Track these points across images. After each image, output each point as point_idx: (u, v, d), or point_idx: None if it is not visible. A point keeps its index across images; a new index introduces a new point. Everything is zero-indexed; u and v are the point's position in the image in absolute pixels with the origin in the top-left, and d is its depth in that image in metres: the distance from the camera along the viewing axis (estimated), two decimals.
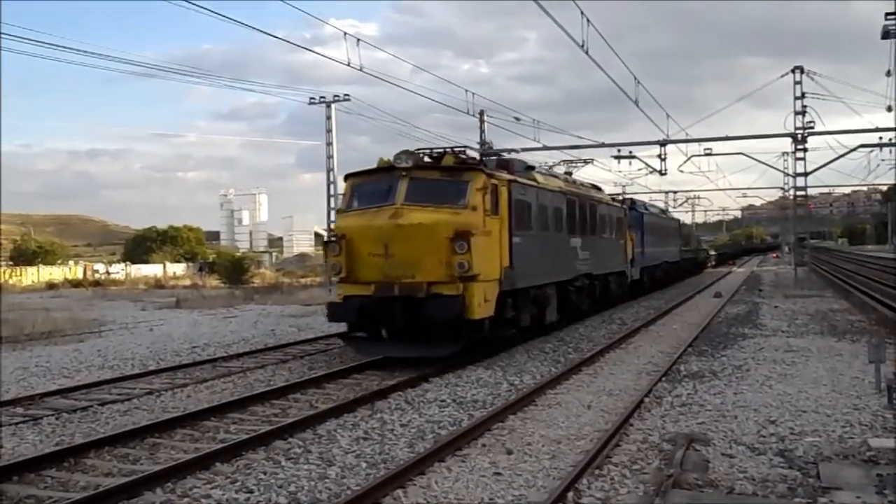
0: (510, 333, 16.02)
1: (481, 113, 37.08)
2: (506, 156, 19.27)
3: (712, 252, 79.44)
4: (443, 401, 11.45)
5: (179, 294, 39.90)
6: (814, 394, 11.38)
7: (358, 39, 22.60)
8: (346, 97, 40.38)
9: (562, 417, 10.23)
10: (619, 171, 47.06)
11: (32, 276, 65.33)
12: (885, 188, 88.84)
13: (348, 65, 22.36)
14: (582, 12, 20.38)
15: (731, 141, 38.43)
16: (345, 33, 21.93)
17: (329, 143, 40.71)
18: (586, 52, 21.35)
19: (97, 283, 57.55)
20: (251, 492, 7.40)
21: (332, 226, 15.33)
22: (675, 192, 74.48)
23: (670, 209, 68.30)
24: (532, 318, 17.09)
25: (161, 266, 74.75)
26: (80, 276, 66.04)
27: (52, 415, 11.01)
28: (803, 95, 36.36)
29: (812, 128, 36.64)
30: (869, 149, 40.28)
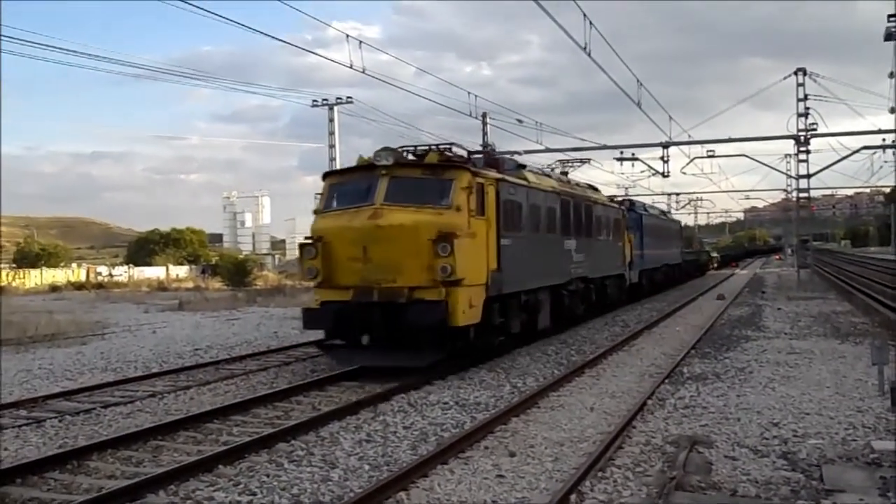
0: (498, 341, 15.30)
1: (484, 115, 37.14)
2: (509, 158, 18.47)
3: (714, 254, 79.37)
4: (445, 403, 11.45)
5: (182, 296, 39.93)
6: (817, 396, 11.37)
7: (360, 42, 22.67)
8: (349, 100, 40.46)
9: (564, 420, 10.23)
10: (622, 174, 47.34)
11: (35, 278, 65.36)
12: (888, 190, 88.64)
13: (351, 67, 22.41)
14: (584, 14, 20.41)
15: (733, 143, 38.53)
16: (347, 36, 21.98)
17: (332, 146, 40.77)
18: (589, 55, 21.39)
19: (100, 286, 57.61)
20: (254, 494, 7.41)
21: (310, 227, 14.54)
22: (677, 195, 74.54)
23: (673, 211, 68.32)
24: (523, 325, 16.43)
25: (164, 268, 74.83)
26: (83, 278, 66.08)
27: (56, 417, 11.02)
28: (806, 97, 36.41)
29: (815, 130, 36.74)
30: (872, 150, 40.40)
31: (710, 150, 40.24)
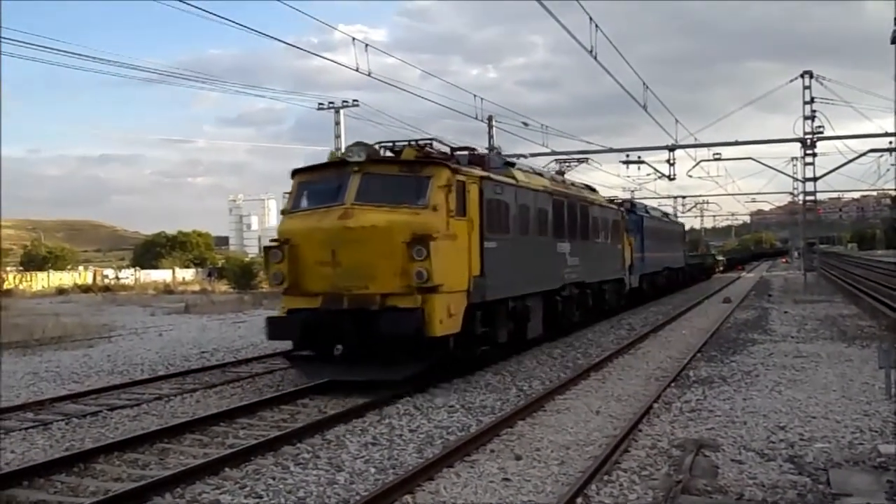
0: (482, 351, 14.30)
1: (490, 118, 37.15)
2: (496, 155, 17.03)
3: (720, 257, 79.22)
4: (451, 406, 11.45)
5: (188, 299, 39.97)
6: (823, 399, 11.35)
7: (366, 45, 22.68)
8: (355, 102, 40.46)
9: (571, 423, 10.22)
10: (628, 176, 47.26)
11: (42, 281, 65.54)
12: (894, 193, 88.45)
13: (357, 70, 22.43)
14: (590, 17, 20.42)
15: (739, 146, 38.50)
16: (353, 38, 21.99)
17: (338, 149, 40.76)
18: (595, 58, 21.39)
19: (107, 289, 57.70)
20: (260, 497, 7.42)
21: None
22: (683, 198, 74.37)
23: (679, 214, 68.18)
24: (511, 334, 15.36)
25: (170, 271, 74.91)
26: (89, 281, 66.28)
27: (62, 420, 11.04)
28: (812, 100, 36.34)
29: (821, 132, 36.66)
30: (879, 153, 40.31)
31: (717, 153, 40.16)
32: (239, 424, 10.54)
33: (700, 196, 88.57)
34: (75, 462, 8.58)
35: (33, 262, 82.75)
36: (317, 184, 13.57)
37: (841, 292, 36.35)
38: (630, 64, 25.54)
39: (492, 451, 8.90)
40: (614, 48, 22.75)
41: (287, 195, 13.93)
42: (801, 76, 36.77)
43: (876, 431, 9.41)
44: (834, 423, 9.86)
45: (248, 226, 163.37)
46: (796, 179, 44.44)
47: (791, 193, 64.40)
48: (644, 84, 29.87)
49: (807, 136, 36.65)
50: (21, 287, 59.41)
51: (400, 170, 13.14)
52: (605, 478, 7.72)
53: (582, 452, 8.78)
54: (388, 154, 14.10)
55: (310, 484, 7.74)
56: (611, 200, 28.46)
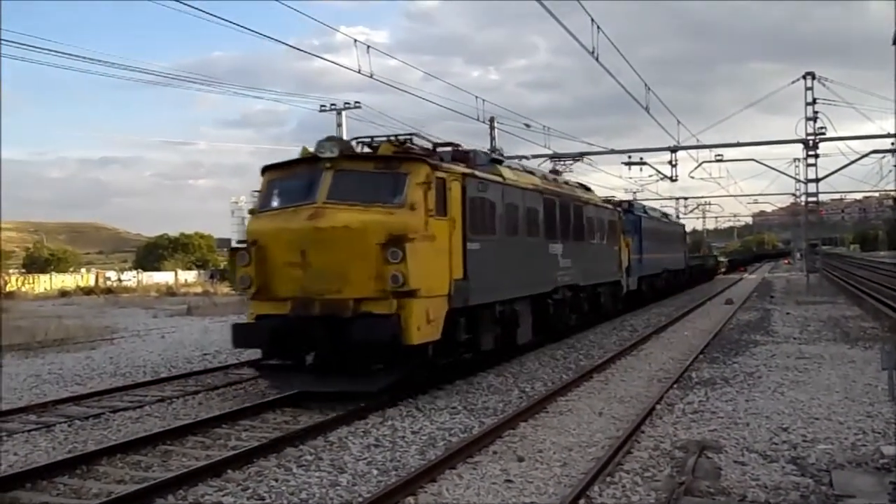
0: (466, 359, 13.62)
1: (492, 120, 37.12)
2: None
3: (722, 259, 79.15)
4: (454, 408, 11.45)
5: (191, 301, 39.99)
6: (826, 401, 11.34)
7: (368, 46, 22.69)
8: (357, 104, 40.44)
9: (573, 424, 10.22)
10: (630, 178, 47.08)
11: (45, 283, 65.61)
12: None
13: (359, 72, 22.45)
14: (592, 19, 20.44)
15: (742, 147, 38.57)
16: (355, 40, 21.99)
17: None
18: (597, 59, 21.39)
19: (109, 291, 57.75)
20: (262, 499, 7.42)
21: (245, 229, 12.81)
22: (685, 199, 74.49)
23: (681, 215, 68.13)
24: (498, 340, 14.60)
25: (172, 273, 74.99)
26: (92, 283, 66.34)
27: (65, 422, 11.05)
28: (815, 101, 36.31)
29: (824, 134, 36.63)
30: (881, 154, 40.23)
31: (719, 155, 40.11)
32: (241, 426, 10.54)
33: (702, 197, 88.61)
34: (78, 464, 8.59)
35: (35, 264, 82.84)
36: (287, 181, 12.80)
37: (843, 293, 36.31)
38: (632, 65, 25.59)
39: (494, 452, 8.90)
40: (616, 49, 22.79)
41: (256, 193, 13.23)
42: (804, 77, 36.76)
43: (879, 433, 9.40)
44: (837, 425, 9.85)
45: None
46: (798, 181, 44.39)
47: (793, 195, 64.45)
48: (646, 85, 29.89)
49: (809, 137, 36.63)
50: (23, 289, 59.47)
51: (375, 166, 12.35)
52: (608, 479, 7.72)
53: (584, 454, 8.78)
54: (367, 150, 13.41)
55: (312, 485, 7.75)
56: (607, 200, 27.68)
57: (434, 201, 12.01)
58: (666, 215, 45.84)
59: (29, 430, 10.56)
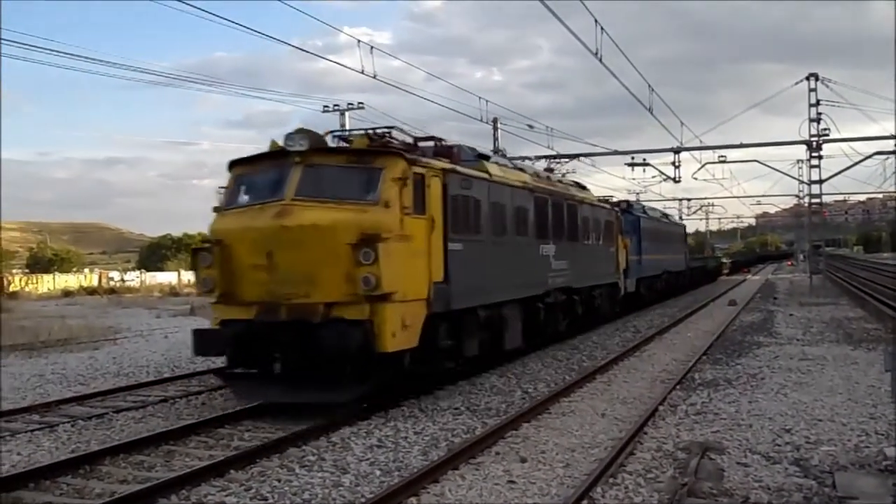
0: (447, 368, 12.72)
1: (495, 120, 37.14)
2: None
3: (725, 260, 79.06)
4: (456, 408, 11.45)
5: (194, 301, 39.94)
6: (829, 402, 11.33)
7: (371, 47, 22.68)
8: (360, 105, 40.44)
9: (576, 426, 10.21)
10: (633, 179, 47.14)
11: (48, 283, 65.72)
12: None
13: (362, 72, 22.45)
14: (595, 20, 20.44)
15: (745, 148, 38.48)
16: (359, 41, 21.98)
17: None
18: (600, 60, 21.40)
19: (112, 291, 57.84)
20: (265, 499, 7.43)
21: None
22: (689, 200, 74.45)
23: (684, 216, 68.12)
24: (483, 346, 13.70)
25: (176, 273, 75.04)
26: (95, 283, 66.42)
27: (68, 422, 11.06)
28: (818, 102, 36.30)
29: (827, 135, 36.61)
30: (884, 156, 40.14)
31: (722, 156, 40.13)
32: (244, 426, 10.55)
33: (705, 199, 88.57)
34: (81, 464, 8.61)
35: (39, 264, 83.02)
36: (255, 177, 12.06)
37: (847, 295, 36.26)
38: (635, 66, 25.60)
39: (497, 453, 8.90)
40: (619, 50, 22.81)
41: (222, 190, 12.33)
42: (807, 78, 36.76)
43: (882, 434, 9.39)
44: (840, 426, 9.84)
45: None
46: (802, 182, 44.38)
47: (797, 196, 64.31)
48: (649, 86, 29.88)
49: (812, 139, 36.61)
50: (27, 289, 59.58)
51: (348, 160, 11.60)
52: (611, 480, 7.72)
53: (587, 455, 8.77)
54: (343, 144, 12.65)
55: (315, 486, 7.76)
56: (604, 200, 26.78)
57: (411, 198, 11.30)
58: (666, 215, 45.05)
59: (32, 430, 10.58)
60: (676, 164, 38.01)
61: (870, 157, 38.71)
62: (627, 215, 29.60)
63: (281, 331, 10.68)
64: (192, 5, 16.08)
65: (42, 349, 20.42)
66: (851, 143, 38.12)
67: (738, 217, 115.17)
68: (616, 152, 38.85)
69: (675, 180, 39.02)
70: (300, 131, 11.53)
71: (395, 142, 12.73)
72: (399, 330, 10.77)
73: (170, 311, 35.61)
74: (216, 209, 12.09)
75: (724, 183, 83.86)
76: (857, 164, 38.34)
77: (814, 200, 41.01)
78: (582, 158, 36.70)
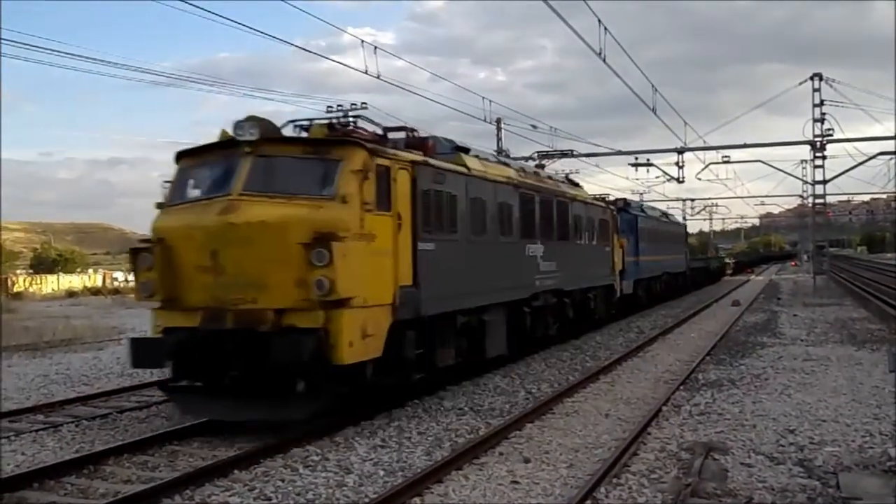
0: (416, 380, 11.43)
1: (498, 121, 37.15)
2: (444, 139, 14.13)
3: (728, 260, 78.91)
4: (460, 409, 11.45)
5: None
6: (833, 403, 11.31)
7: (375, 47, 22.65)
8: (364, 105, 40.34)
9: (579, 426, 10.21)
10: (637, 179, 47.05)
11: (52, 284, 65.82)
12: None
13: (366, 73, 22.42)
14: (599, 20, 20.40)
15: (749, 148, 38.49)
16: (362, 41, 21.94)
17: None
18: (603, 60, 21.39)
19: (116, 291, 57.88)
20: (269, 499, 7.44)
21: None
22: (692, 200, 74.32)
23: (688, 217, 68.04)
24: (462, 354, 12.78)
25: None
26: (99, 284, 66.50)
27: (72, 422, 11.08)
28: (822, 103, 36.24)
29: (831, 135, 36.55)
30: (889, 156, 40.06)
31: (726, 156, 40.08)
32: (247, 426, 10.54)
33: (709, 199, 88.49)
34: (85, 464, 8.63)
35: (43, 264, 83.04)
36: (202, 169, 10.96)
37: (851, 295, 36.22)
38: (638, 66, 25.61)
39: (500, 453, 8.90)
40: (623, 50, 22.77)
41: (167, 184, 11.15)
42: (811, 79, 36.70)
43: (886, 435, 9.37)
44: (844, 427, 9.83)
45: None
46: (806, 182, 44.26)
47: (801, 196, 64.18)
48: (653, 86, 29.82)
49: (816, 139, 36.56)
50: (31, 290, 59.68)
51: (303, 151, 10.52)
52: (615, 481, 7.72)
53: (591, 455, 8.77)
54: (304, 134, 11.55)
55: (319, 486, 7.76)
56: (601, 198, 25.45)
57: (373, 193, 10.21)
58: (666, 214, 43.83)
59: (36, 430, 10.60)
60: (680, 164, 38.05)
61: (874, 157, 38.65)
62: (624, 214, 28.57)
63: (226, 340, 9.62)
64: (194, 5, 16.02)
65: (46, 349, 20.45)
66: (855, 144, 38.08)
67: (741, 217, 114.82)
68: (620, 152, 38.85)
69: (679, 180, 39.02)
70: (251, 119, 10.41)
71: (365, 132, 11.74)
72: (358, 339, 9.71)
73: None
74: (159, 205, 10.96)
75: (728, 183, 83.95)
76: (861, 164, 38.33)
77: (818, 201, 40.97)
78: (584, 159, 36.67)
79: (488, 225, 14.00)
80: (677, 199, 70.55)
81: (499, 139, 37.64)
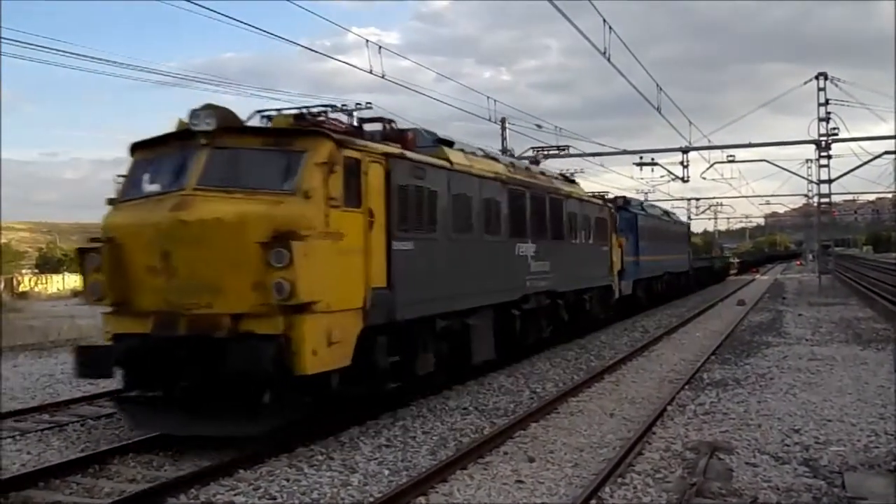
0: (389, 389, 10.55)
1: (503, 120, 37.11)
2: (425, 131, 13.41)
3: (733, 259, 78.78)
4: (465, 408, 11.45)
5: None
6: (838, 402, 11.29)
7: (380, 47, 22.63)
8: (369, 105, 40.31)
9: (584, 425, 10.21)
10: (641, 178, 46.97)
11: (58, 283, 65.93)
12: None
13: (371, 72, 22.41)
14: (604, 19, 20.39)
15: (754, 148, 38.46)
16: (367, 41, 21.93)
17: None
18: (608, 60, 21.34)
19: None
20: (274, 498, 7.45)
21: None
22: (697, 200, 74.24)
23: (693, 216, 67.92)
24: (443, 360, 12.05)
25: None
26: None
27: (78, 421, 11.10)
28: (827, 102, 36.18)
29: (836, 134, 36.50)
30: (894, 155, 39.97)
31: (730, 155, 40.03)
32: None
33: (714, 198, 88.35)
34: (91, 463, 8.65)
35: (48, 264, 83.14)
36: (158, 163, 10.08)
37: (856, 295, 36.14)
38: (643, 66, 25.53)
39: (505, 453, 8.90)
40: (628, 50, 22.73)
41: (121, 179, 10.41)
42: (816, 78, 36.64)
43: (891, 435, 9.35)
44: (849, 427, 9.81)
45: None
46: (811, 181, 44.21)
47: (806, 195, 64.19)
48: (657, 86, 29.80)
49: (821, 138, 36.50)
50: (36, 289, 59.80)
51: (264, 143, 9.65)
52: (619, 480, 7.72)
53: (595, 455, 8.77)
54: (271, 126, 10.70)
55: (323, 485, 7.77)
56: (599, 195, 24.40)
57: (340, 188, 9.41)
58: (668, 213, 42.72)
59: (42, 430, 10.62)
60: (685, 163, 38.03)
61: (879, 156, 38.57)
62: (623, 212, 27.70)
63: (179, 347, 8.95)
64: (200, 5, 16.04)
65: (52, 349, 20.46)
66: (861, 143, 38.06)
67: (746, 217, 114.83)
68: (624, 152, 38.78)
69: (684, 180, 39.02)
70: (207, 107, 9.63)
71: (337, 123, 10.97)
72: (323, 347, 8.94)
73: None
74: (111, 201, 10.21)
75: (733, 182, 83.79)
76: (866, 163, 38.25)
77: (823, 200, 40.90)
78: (589, 158, 36.64)
79: (473, 223, 13.25)
80: (682, 199, 70.34)
81: (503, 138, 37.61)
